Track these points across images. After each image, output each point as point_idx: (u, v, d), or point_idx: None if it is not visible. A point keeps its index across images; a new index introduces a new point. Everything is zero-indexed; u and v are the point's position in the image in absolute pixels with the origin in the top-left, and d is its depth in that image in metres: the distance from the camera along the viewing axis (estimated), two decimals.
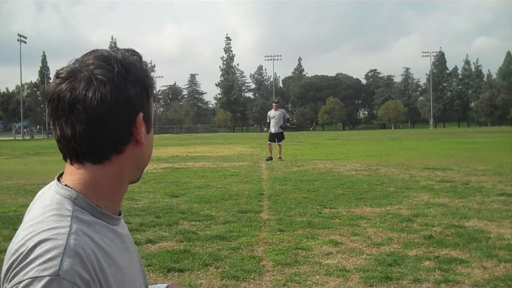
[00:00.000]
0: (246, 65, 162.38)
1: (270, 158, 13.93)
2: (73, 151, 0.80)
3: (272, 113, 14.48)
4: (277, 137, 14.27)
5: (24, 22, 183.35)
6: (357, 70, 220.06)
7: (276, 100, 15.41)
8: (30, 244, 0.70)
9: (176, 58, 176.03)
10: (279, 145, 14.26)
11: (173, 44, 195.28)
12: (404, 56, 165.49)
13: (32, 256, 0.69)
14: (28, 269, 0.68)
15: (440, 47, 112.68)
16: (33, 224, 0.75)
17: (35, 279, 0.66)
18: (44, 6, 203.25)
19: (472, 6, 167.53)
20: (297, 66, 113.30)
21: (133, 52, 0.86)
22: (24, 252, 0.70)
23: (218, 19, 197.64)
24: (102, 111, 0.78)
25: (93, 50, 0.83)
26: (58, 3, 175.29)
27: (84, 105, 0.77)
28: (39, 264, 0.68)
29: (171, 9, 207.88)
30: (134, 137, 0.82)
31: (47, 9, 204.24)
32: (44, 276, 0.66)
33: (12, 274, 0.70)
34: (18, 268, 0.69)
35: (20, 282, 0.67)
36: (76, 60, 0.83)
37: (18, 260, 0.70)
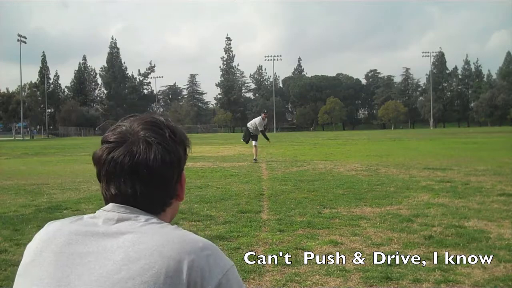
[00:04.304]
0: (249, 66, 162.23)
1: (255, 160, 14.05)
2: (133, 205, 0.87)
3: (261, 122, 14.54)
4: (252, 137, 14.51)
5: (43, 20, 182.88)
6: (357, 70, 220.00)
7: (266, 111, 15.69)
8: None
9: (193, 57, 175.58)
10: (255, 146, 14.40)
11: (190, 43, 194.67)
12: (404, 56, 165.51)
13: None
14: None
15: (440, 47, 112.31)
16: None
17: None
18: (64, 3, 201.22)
19: (481, 4, 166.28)
20: (297, 66, 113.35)
21: (166, 116, 0.95)
22: None
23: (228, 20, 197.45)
24: (162, 171, 0.87)
25: (135, 115, 0.93)
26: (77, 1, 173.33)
27: (147, 167, 0.85)
28: None
29: (189, 8, 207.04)
30: (177, 192, 0.93)
31: (62, 6, 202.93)
32: None
33: None
34: None
35: None
36: (117, 126, 0.91)
37: None
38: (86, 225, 0.86)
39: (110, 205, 0.88)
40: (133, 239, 0.81)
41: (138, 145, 0.86)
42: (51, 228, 0.89)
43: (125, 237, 0.82)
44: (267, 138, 14.86)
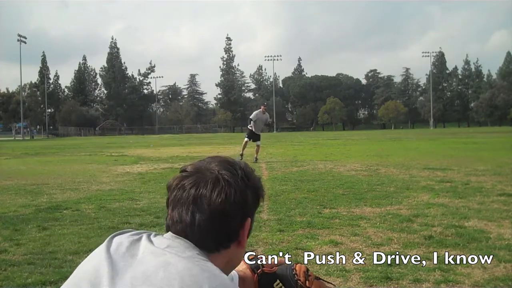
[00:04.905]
0: (249, 66, 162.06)
1: (241, 156, 13.80)
2: (189, 238, 0.88)
3: (259, 115, 14.42)
4: (255, 137, 14.33)
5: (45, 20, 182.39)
6: (357, 70, 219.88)
7: (265, 103, 15.55)
8: None
9: (193, 57, 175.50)
10: (258, 145, 14.26)
11: (190, 43, 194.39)
12: (404, 56, 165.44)
13: None
14: None
15: (440, 47, 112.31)
16: None
17: None
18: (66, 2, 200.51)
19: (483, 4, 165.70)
20: (297, 66, 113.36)
21: (245, 163, 0.97)
22: None
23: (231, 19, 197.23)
24: (224, 209, 0.87)
25: (217, 156, 0.96)
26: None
27: (209, 201, 0.87)
28: None
29: (191, 8, 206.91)
30: (239, 238, 0.92)
31: (65, 6, 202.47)
32: None
33: None
34: None
35: None
36: (200, 160, 0.94)
37: None
38: (142, 240, 0.89)
39: (169, 234, 0.91)
40: (169, 261, 0.82)
41: (207, 179, 0.88)
42: (115, 240, 0.92)
43: (165, 258, 0.83)
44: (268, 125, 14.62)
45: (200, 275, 0.79)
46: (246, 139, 14.48)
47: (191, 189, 0.88)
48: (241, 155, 13.91)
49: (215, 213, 0.87)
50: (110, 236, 0.93)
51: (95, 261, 0.87)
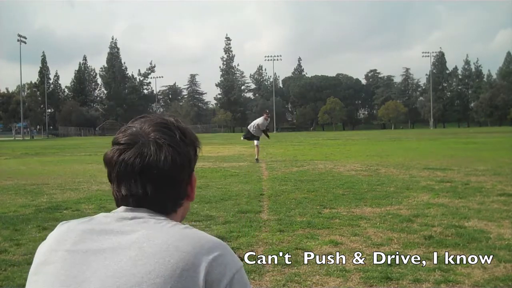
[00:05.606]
0: (252, 65, 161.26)
1: (257, 160, 14.01)
2: (145, 206, 0.88)
3: (264, 122, 14.46)
4: (254, 137, 14.47)
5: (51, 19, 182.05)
6: (357, 70, 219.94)
7: (267, 111, 15.66)
8: None
9: (195, 57, 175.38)
10: (257, 146, 14.40)
11: (192, 43, 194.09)
12: (404, 57, 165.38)
13: None
14: None
15: (440, 47, 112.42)
16: None
17: None
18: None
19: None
20: (297, 66, 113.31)
21: (176, 117, 0.95)
22: None
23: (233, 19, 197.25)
24: (173, 173, 0.87)
25: (145, 116, 0.93)
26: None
27: (157, 168, 0.86)
28: None
29: (194, 7, 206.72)
30: (188, 193, 0.94)
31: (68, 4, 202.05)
32: None
33: None
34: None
35: None
36: (128, 127, 0.91)
37: None
38: (99, 224, 0.87)
39: (122, 207, 0.89)
40: (147, 235, 0.82)
41: (149, 147, 0.86)
42: (64, 227, 0.89)
43: (139, 233, 0.82)
44: (267, 136, 14.94)
45: (188, 239, 0.81)
46: (254, 143, 14.61)
47: (135, 161, 0.86)
48: (257, 159, 13.98)
49: (165, 180, 0.87)
50: (56, 229, 0.89)
51: (60, 260, 0.83)
